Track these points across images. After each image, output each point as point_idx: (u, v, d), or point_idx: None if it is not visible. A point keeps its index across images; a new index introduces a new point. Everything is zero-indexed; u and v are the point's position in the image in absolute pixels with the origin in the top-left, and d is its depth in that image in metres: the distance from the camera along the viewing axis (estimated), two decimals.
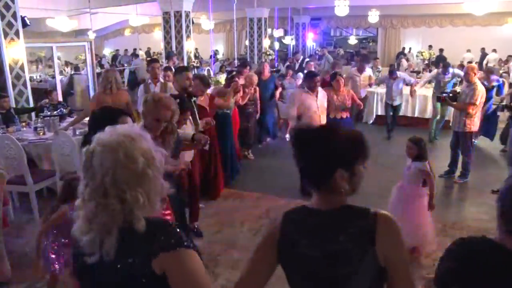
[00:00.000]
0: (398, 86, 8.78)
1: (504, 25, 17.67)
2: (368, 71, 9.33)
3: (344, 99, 6.30)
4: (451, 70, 8.58)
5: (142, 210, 1.34)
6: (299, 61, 13.96)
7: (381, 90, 9.89)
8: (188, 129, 4.23)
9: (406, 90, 9.01)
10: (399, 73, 9.15)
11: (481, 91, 5.88)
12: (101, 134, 1.37)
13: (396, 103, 8.87)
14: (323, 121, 5.68)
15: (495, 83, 8.04)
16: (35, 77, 13.46)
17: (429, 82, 9.70)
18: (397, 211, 3.90)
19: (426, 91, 9.73)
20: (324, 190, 1.49)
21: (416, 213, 4.06)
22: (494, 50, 16.81)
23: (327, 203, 1.49)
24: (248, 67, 8.15)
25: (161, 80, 6.45)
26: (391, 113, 8.97)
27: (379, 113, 9.97)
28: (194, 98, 5.15)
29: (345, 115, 6.34)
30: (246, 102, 7.11)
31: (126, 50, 19.25)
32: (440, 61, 8.13)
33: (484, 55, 17.26)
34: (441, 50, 17.08)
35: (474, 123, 6.02)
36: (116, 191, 1.30)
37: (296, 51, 17.38)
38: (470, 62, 12.52)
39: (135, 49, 18.56)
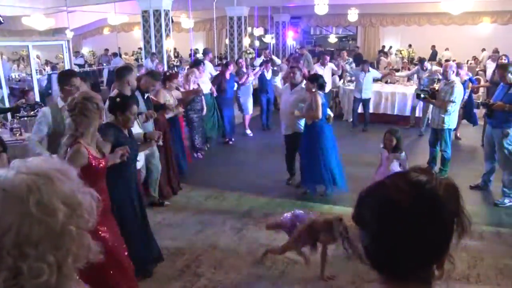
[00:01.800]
0: (368, 79, 9.18)
1: (479, 24, 18.05)
2: (330, 64, 9.90)
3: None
4: (428, 66, 8.81)
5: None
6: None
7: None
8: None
9: (375, 87, 9.56)
10: (370, 69, 9.49)
11: (459, 88, 5.99)
12: (5, 171, 0.97)
13: (365, 96, 9.10)
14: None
15: (466, 77, 8.29)
16: (13, 76, 13.19)
17: (408, 79, 9.83)
18: None
19: (405, 89, 9.87)
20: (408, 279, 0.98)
21: None
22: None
23: None
24: (202, 65, 8.17)
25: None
26: (359, 108, 9.34)
27: (359, 111, 10.07)
28: (146, 95, 5.25)
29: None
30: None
31: (106, 49, 19.00)
32: (433, 59, 8.42)
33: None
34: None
35: (453, 120, 6.13)
36: (13, 258, 0.91)
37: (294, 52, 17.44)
38: (448, 60, 12.70)
39: (119, 48, 18.34)
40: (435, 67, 9.47)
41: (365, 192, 1.01)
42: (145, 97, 5.24)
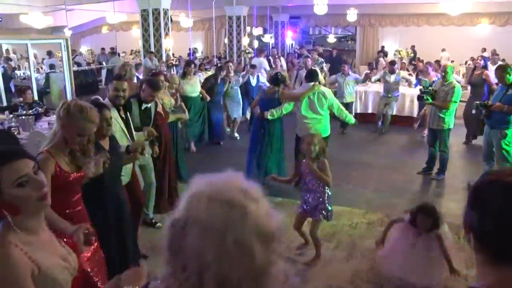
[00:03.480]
0: (348, 83, 9.16)
1: (478, 25, 18.09)
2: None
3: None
4: (397, 70, 8.95)
5: None
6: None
7: (361, 88, 10.05)
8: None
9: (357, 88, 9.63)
10: (350, 73, 9.49)
11: (459, 89, 6.05)
12: (194, 198, 0.92)
13: (346, 100, 9.02)
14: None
15: (435, 78, 8.54)
16: (18, 74, 13.18)
17: (379, 80, 9.79)
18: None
19: (378, 88, 9.89)
20: None
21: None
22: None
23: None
24: (192, 65, 7.84)
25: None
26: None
27: (358, 111, 10.11)
28: (145, 105, 4.55)
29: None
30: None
31: (103, 48, 18.97)
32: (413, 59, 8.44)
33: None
34: (412, 47, 17.63)
35: (451, 120, 6.16)
36: None
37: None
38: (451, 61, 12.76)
39: (112, 48, 18.30)
40: (403, 73, 9.51)
41: (483, 183, 1.09)
42: (143, 108, 4.57)
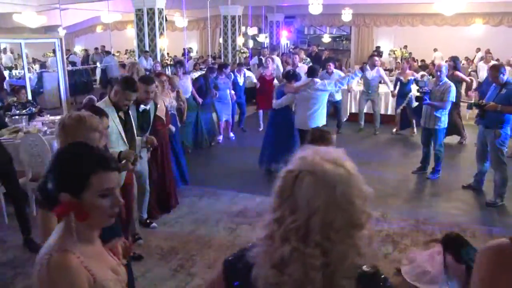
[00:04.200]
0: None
1: (472, 25, 18.18)
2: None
3: None
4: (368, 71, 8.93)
5: (345, 272, 1.03)
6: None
7: (359, 88, 10.06)
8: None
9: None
10: (335, 71, 9.28)
11: (454, 88, 6.10)
12: (307, 157, 1.08)
13: (334, 98, 8.98)
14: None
15: (410, 77, 8.74)
16: (14, 74, 13.11)
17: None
18: None
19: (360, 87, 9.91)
20: None
21: None
22: (436, 49, 17.36)
23: None
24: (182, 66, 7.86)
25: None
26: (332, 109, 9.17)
27: (353, 111, 10.14)
28: (143, 107, 4.28)
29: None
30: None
31: (96, 48, 18.90)
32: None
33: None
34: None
35: (446, 120, 6.22)
36: (320, 238, 1.01)
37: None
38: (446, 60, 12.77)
39: (103, 47, 18.21)
40: (382, 70, 9.49)
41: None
42: (141, 110, 4.29)
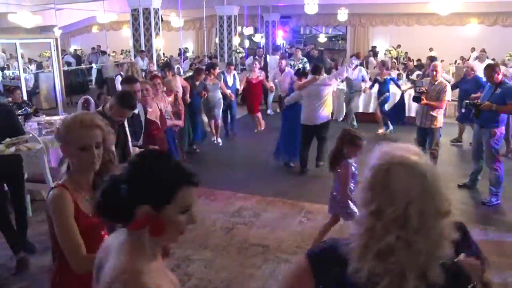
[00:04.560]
0: None
1: (467, 25, 18.26)
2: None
3: None
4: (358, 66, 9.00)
5: (438, 258, 1.11)
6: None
7: (340, 87, 10.08)
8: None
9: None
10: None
11: (450, 87, 6.13)
12: (390, 151, 1.17)
13: None
14: None
15: (387, 77, 8.92)
16: (7, 74, 13.05)
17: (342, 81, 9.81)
18: None
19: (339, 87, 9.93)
20: None
21: None
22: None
23: None
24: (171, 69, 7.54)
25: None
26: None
27: (360, 110, 10.21)
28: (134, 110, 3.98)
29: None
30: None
31: (93, 48, 18.86)
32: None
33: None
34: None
35: (442, 119, 6.23)
36: (418, 225, 1.08)
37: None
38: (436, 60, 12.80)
39: (99, 46, 18.17)
40: (364, 70, 9.61)
41: None
42: (131, 115, 3.84)
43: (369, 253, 1.10)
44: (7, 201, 4.25)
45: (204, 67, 8.59)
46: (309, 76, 6.69)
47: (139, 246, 1.30)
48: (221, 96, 8.20)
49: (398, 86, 9.22)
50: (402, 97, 8.87)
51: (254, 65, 9.45)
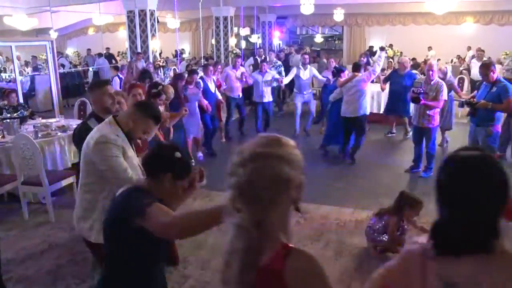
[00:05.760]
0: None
1: (463, 24, 18.31)
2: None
3: None
4: (309, 66, 8.87)
5: None
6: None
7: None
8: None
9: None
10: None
11: (446, 86, 6.14)
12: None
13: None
14: None
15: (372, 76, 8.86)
16: (4, 77, 13.02)
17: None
18: None
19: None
20: None
21: None
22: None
23: None
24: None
25: None
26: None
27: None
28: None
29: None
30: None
31: (89, 49, 18.84)
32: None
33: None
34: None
35: (439, 118, 6.27)
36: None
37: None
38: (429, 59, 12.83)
39: (89, 50, 18.13)
40: (315, 70, 9.35)
41: None
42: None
43: None
44: None
45: (185, 73, 7.85)
46: (349, 74, 7.28)
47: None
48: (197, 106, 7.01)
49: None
50: None
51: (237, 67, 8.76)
